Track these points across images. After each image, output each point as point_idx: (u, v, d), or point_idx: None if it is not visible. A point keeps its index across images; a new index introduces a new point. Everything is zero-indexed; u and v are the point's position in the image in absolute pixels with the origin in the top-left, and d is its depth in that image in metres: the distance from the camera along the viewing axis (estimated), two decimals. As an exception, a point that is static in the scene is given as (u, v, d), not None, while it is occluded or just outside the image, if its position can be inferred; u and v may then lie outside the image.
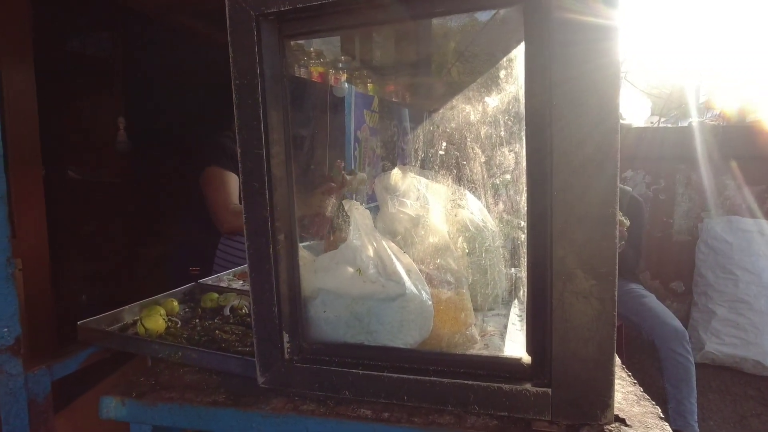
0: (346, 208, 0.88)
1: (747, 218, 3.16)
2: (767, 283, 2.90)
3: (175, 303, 1.11)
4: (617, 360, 0.86)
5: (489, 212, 1.01)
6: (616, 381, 0.77)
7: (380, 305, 0.76)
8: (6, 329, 0.78)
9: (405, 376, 0.70)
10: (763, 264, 2.93)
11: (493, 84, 0.76)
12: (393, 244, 0.87)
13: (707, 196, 3.37)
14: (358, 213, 0.86)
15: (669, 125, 3.90)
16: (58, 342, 1.04)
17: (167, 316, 1.05)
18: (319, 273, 0.81)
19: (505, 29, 0.72)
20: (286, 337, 0.77)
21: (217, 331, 0.91)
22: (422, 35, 1.38)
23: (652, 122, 3.74)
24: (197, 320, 1.05)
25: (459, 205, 1.04)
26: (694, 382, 2.20)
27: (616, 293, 0.61)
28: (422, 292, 0.80)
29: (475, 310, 1.04)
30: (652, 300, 2.42)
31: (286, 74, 0.75)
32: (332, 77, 2.07)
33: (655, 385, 2.62)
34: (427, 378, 0.69)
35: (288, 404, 0.72)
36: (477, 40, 0.84)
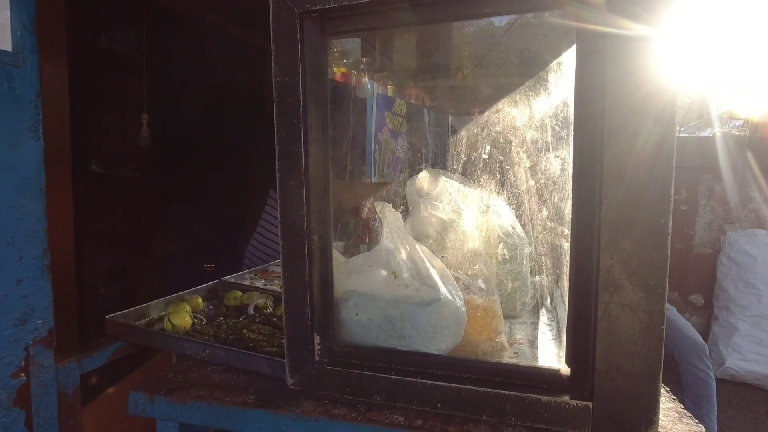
0: (378, 210, 0.87)
1: (772, 232, 3.08)
2: (792, 299, 2.83)
3: (200, 300, 1.11)
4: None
5: (532, 218, 0.99)
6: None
7: (414, 310, 0.75)
8: (40, 321, 0.78)
9: (439, 383, 0.68)
10: (788, 279, 2.85)
11: (541, 88, 0.74)
12: (425, 248, 0.86)
13: (731, 208, 3.30)
14: (390, 215, 0.85)
15: (688, 135, 3.83)
16: (81, 335, 1.05)
17: (193, 312, 1.05)
18: (352, 275, 0.80)
19: (553, 32, 0.71)
20: (317, 339, 0.76)
21: (244, 330, 0.90)
22: (451, 38, 1.36)
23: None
24: (222, 318, 1.05)
25: (490, 211, 1.03)
26: (715, 399, 2.15)
27: (665, 307, 0.59)
28: (456, 297, 0.78)
29: (504, 317, 1.02)
30: (673, 312, 2.37)
31: (326, 73, 0.74)
32: (354, 78, 2.07)
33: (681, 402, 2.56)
34: (462, 386, 0.67)
35: (319, 407, 0.71)
36: (517, 43, 0.82)
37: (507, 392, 0.65)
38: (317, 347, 0.76)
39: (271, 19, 0.70)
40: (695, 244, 3.38)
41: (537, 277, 1.36)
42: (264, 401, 0.73)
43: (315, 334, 0.75)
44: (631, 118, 0.56)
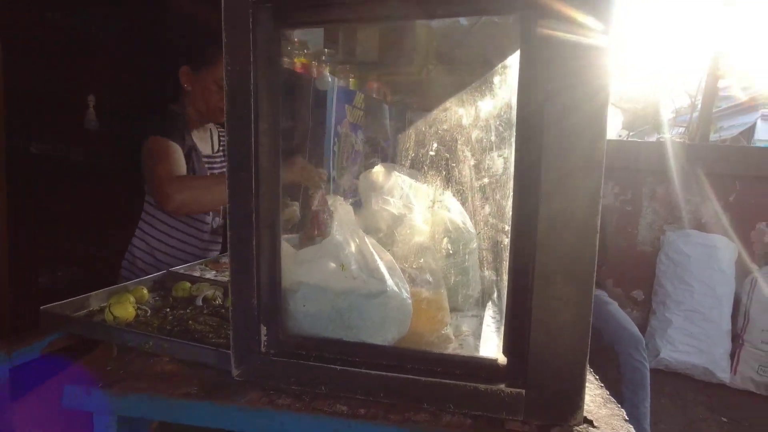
0: (330, 203, 0.88)
1: (705, 233, 3.32)
2: (720, 295, 3.06)
3: (145, 291, 1.08)
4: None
5: (475, 215, 1.03)
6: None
7: (362, 301, 0.76)
8: (-35, 311, 0.74)
9: (383, 373, 0.70)
10: (717, 277, 3.08)
11: (487, 89, 0.77)
12: (374, 241, 0.87)
13: (671, 209, 3.52)
14: (342, 209, 0.86)
15: (637, 139, 4.06)
16: (15, 326, 1.00)
17: (137, 304, 1.02)
18: (302, 266, 0.81)
19: (502, 34, 0.73)
20: (263, 330, 0.76)
21: (190, 322, 0.88)
22: (411, 33, 1.38)
23: (620, 135, 3.88)
24: (168, 309, 1.03)
25: (441, 206, 1.06)
26: (648, 387, 2.30)
27: (592, 300, 0.63)
28: (403, 290, 0.80)
29: (451, 310, 1.05)
30: (614, 307, 2.51)
31: (280, 64, 0.74)
32: (315, 69, 2.04)
33: (612, 389, 2.72)
34: (405, 376, 0.69)
35: (264, 398, 0.71)
36: (470, 43, 0.85)
37: (447, 381, 0.68)
38: (264, 338, 0.76)
39: (222, 6, 0.69)
40: (638, 242, 3.58)
41: (486, 272, 1.40)
42: (208, 393, 0.72)
43: (262, 325, 0.75)
44: (567, 123, 0.59)
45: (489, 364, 0.69)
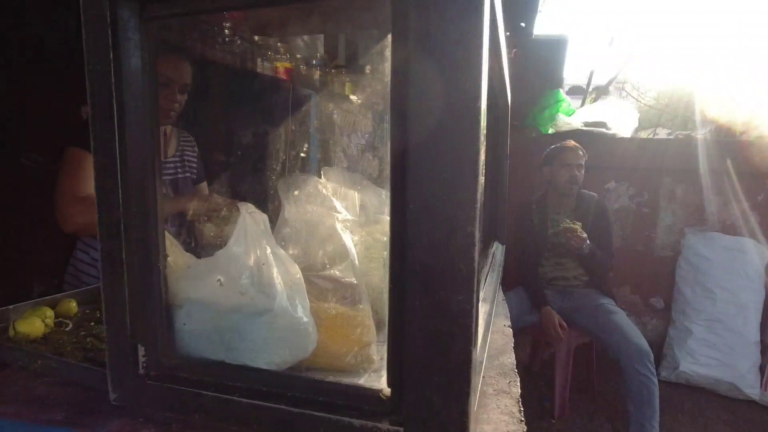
0: (240, 210, 0.81)
1: (729, 236, 3.07)
2: (745, 303, 2.82)
3: (73, 304, 1.04)
4: (518, 391, 0.79)
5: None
6: (503, 417, 0.70)
7: (245, 320, 0.69)
8: None
9: (255, 401, 0.63)
10: (742, 283, 2.84)
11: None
12: (283, 253, 0.80)
13: (691, 210, 3.29)
14: (249, 218, 0.79)
15: (661, 137, 3.82)
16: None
17: (61, 318, 0.98)
18: (191, 281, 0.74)
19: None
20: (141, 350, 0.70)
21: (89, 339, 0.84)
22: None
23: (639, 134, 3.66)
24: (93, 323, 0.99)
25: (371, 214, 0.98)
26: (657, 404, 2.12)
27: (475, 307, 0.53)
28: (298, 307, 0.73)
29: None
30: (620, 317, 2.34)
31: (152, 63, 0.68)
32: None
33: (620, 406, 2.54)
34: (277, 405, 0.61)
35: (127, 427, 0.65)
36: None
37: (319, 414, 0.59)
38: (142, 359, 0.70)
39: (81, 2, 0.63)
40: (656, 246, 3.36)
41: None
42: (73, 419, 0.67)
43: (139, 345, 0.69)
44: (434, 129, 0.51)
45: (372, 396, 0.61)
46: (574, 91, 4.77)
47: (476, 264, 0.51)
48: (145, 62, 0.65)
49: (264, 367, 0.68)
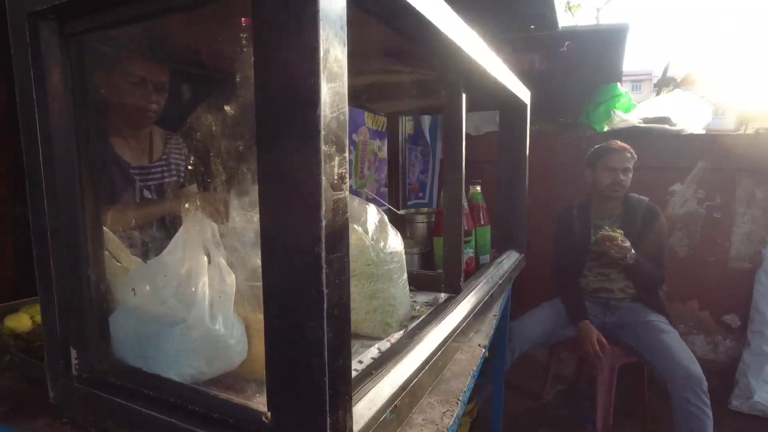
0: (184, 218, 0.82)
1: (822, 247, 2.63)
2: (840, 327, 2.39)
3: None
4: (450, 423, 0.72)
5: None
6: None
7: (162, 330, 0.69)
8: None
9: (153, 413, 0.62)
10: (836, 304, 2.41)
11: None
12: (224, 262, 0.79)
13: (775, 217, 2.86)
14: (192, 225, 0.80)
15: (739, 132, 3.37)
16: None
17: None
18: (122, 287, 0.76)
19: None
20: (74, 353, 0.73)
21: (54, 337, 0.89)
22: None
23: (710, 130, 3.25)
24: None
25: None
26: (711, 439, 1.86)
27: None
28: (218, 318, 0.71)
29: (371, 338, 0.97)
30: (671, 337, 2.09)
31: (80, 81, 0.70)
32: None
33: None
34: (165, 418, 0.61)
35: (47, 428, 0.68)
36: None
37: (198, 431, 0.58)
38: (74, 362, 0.73)
39: (8, 25, 0.67)
40: (730, 257, 2.97)
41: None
42: (11, 415, 0.71)
43: (72, 348, 0.72)
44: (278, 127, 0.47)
45: (255, 418, 0.58)
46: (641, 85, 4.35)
47: (324, 288, 0.46)
48: (66, 78, 0.68)
49: (175, 378, 0.68)
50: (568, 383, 2.98)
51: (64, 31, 0.67)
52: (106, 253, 0.79)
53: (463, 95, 1.12)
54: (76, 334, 0.72)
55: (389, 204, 1.87)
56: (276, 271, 0.49)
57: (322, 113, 0.45)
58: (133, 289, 0.71)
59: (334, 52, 0.46)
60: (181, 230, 0.79)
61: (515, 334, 2.28)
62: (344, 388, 0.50)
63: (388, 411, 0.62)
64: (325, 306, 0.46)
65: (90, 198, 0.72)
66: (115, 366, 0.73)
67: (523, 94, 1.59)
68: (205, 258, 0.77)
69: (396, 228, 1.10)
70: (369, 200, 2.69)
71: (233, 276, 0.78)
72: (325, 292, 0.46)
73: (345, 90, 0.48)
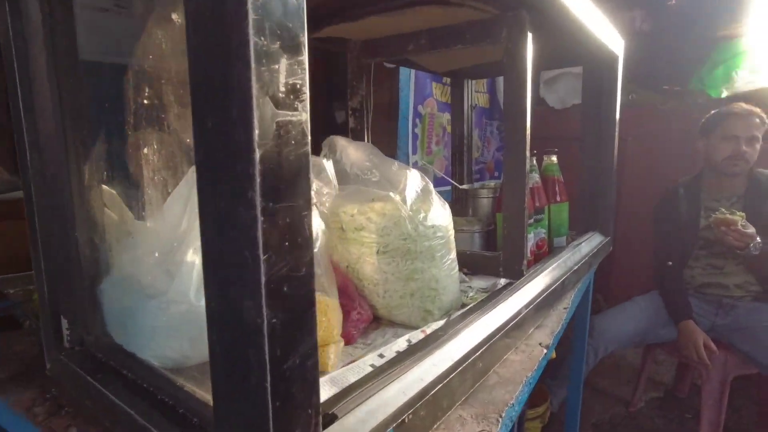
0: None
1: None
2: None
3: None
4: None
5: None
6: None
7: (142, 302, 0.60)
8: None
9: (116, 400, 0.53)
10: None
11: None
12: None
13: None
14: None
15: None
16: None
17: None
18: (124, 253, 0.68)
19: None
20: (65, 324, 0.66)
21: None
22: None
23: None
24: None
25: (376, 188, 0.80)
26: None
27: (269, 320, 0.34)
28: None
29: (408, 327, 0.84)
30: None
31: (71, 36, 0.62)
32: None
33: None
34: (129, 410, 0.51)
35: (27, 402, 0.62)
36: None
37: (148, 425, 0.47)
38: (66, 333, 0.67)
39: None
40: None
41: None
42: (9, 382, 0.67)
43: (62, 318, 0.66)
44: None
45: (201, 409, 0.46)
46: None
47: (260, 251, 0.31)
48: (66, 36, 0.60)
49: (152, 360, 0.58)
50: (665, 390, 2.58)
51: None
52: (107, 212, 0.72)
53: (529, 34, 0.90)
54: (66, 303, 0.66)
55: (452, 179, 1.68)
56: (210, 226, 0.35)
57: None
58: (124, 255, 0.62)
59: None
60: (182, 184, 0.69)
61: (599, 331, 1.98)
62: (304, 399, 0.36)
63: (390, 429, 0.46)
64: (263, 278, 0.31)
65: (75, 151, 0.65)
66: (100, 340, 0.65)
67: (614, 42, 1.30)
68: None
69: (460, 204, 0.93)
70: (436, 178, 2.48)
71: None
72: (262, 257, 0.31)
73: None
